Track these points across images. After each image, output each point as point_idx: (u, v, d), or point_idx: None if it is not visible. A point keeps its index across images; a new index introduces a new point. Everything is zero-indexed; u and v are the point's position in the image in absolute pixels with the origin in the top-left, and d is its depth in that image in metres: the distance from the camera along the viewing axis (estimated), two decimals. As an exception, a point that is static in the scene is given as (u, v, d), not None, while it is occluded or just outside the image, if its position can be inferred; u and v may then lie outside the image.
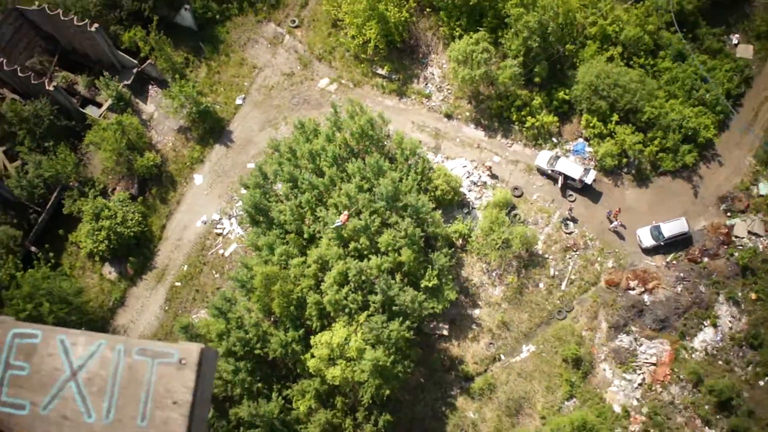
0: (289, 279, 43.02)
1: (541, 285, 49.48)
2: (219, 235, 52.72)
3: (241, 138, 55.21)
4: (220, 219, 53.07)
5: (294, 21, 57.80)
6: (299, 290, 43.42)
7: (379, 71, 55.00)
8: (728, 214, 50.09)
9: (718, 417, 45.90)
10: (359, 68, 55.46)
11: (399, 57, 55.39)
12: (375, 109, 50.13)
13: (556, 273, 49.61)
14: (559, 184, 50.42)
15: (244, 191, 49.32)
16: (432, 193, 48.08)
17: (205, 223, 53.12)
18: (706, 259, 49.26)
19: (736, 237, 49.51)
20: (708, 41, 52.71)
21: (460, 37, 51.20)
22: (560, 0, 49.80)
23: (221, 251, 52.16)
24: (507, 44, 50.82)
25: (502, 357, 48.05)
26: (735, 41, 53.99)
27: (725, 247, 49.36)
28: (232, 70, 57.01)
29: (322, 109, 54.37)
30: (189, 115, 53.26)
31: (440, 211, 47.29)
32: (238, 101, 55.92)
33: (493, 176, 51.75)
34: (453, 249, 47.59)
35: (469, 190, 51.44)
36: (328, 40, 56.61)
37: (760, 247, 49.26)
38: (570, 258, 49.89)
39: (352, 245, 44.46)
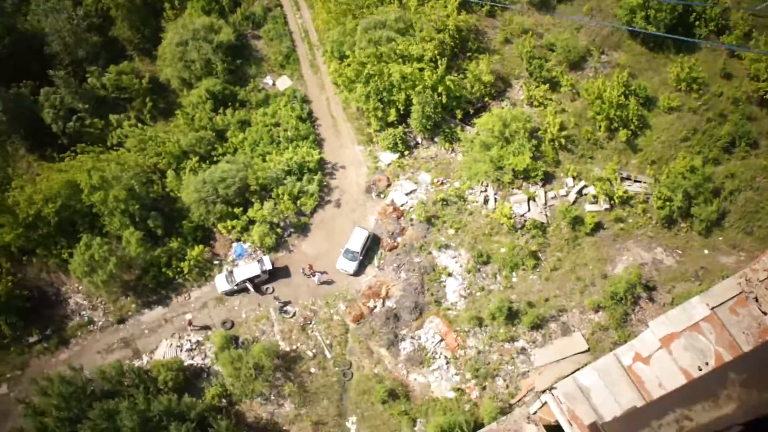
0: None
1: (313, 370, 48.65)
2: None
3: None
4: None
5: None
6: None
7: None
8: (381, 196, 55.05)
9: (514, 327, 48.49)
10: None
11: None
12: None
13: (314, 351, 49.23)
14: (251, 289, 50.85)
15: None
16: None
17: None
18: (399, 239, 53.07)
19: (403, 205, 54.32)
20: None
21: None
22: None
23: None
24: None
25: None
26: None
27: (402, 218, 53.86)
28: None
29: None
30: None
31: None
32: None
33: (202, 327, 50.56)
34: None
35: (192, 358, 49.34)
36: None
37: (425, 197, 54.54)
38: (312, 331, 50.00)
39: None
